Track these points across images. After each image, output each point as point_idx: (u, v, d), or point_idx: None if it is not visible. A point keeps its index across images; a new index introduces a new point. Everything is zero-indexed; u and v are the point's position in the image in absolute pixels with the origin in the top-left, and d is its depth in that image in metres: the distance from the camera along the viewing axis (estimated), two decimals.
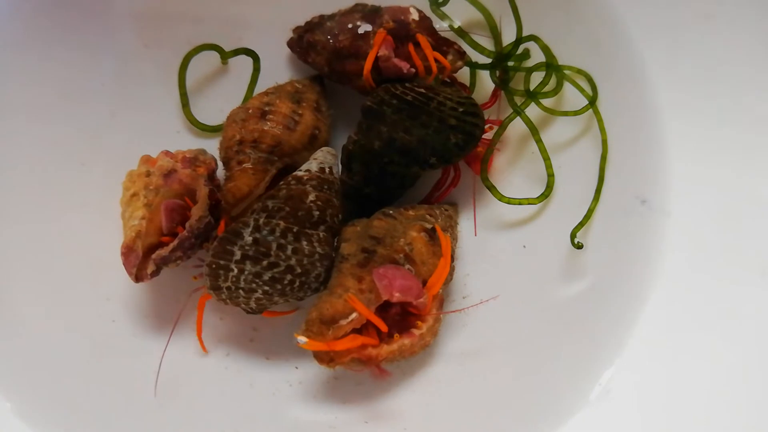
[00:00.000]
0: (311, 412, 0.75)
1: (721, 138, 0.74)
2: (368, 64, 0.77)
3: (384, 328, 0.69)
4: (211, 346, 0.77)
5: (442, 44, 0.79)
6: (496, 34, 0.80)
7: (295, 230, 0.70)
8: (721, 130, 0.74)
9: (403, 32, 0.77)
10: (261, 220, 0.70)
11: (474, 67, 0.82)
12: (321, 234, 0.72)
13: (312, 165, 0.76)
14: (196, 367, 0.77)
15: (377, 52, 0.77)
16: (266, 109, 0.78)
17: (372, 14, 0.79)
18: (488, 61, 0.81)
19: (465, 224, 0.82)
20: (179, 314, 0.77)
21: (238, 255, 0.69)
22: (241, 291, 0.70)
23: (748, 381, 0.68)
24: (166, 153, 0.79)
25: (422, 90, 0.76)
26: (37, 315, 0.76)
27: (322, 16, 0.83)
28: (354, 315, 0.69)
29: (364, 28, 0.79)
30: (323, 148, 0.78)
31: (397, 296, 0.69)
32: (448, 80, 0.80)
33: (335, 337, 0.69)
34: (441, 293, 0.74)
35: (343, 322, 0.69)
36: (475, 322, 0.77)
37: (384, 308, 0.71)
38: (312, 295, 0.73)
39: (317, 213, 0.72)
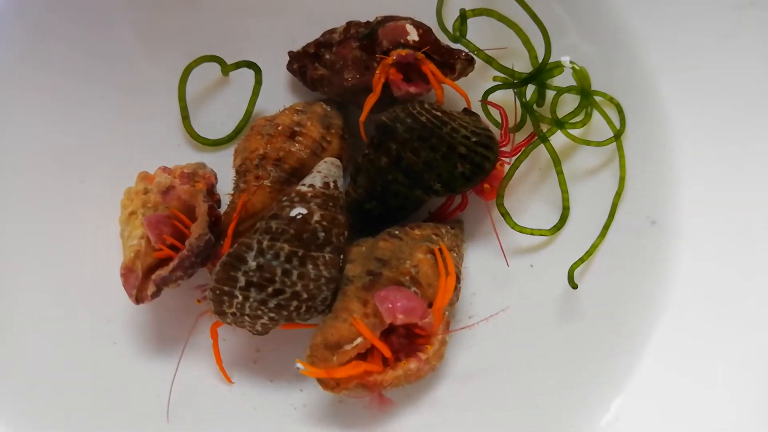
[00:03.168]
0: None
1: (733, 158, 0.73)
2: (363, 117, 0.76)
3: (388, 354, 0.68)
4: (213, 368, 0.76)
5: (448, 57, 0.77)
6: (530, 48, 0.77)
7: (300, 254, 0.69)
8: (733, 150, 0.73)
9: (409, 60, 0.75)
10: (264, 243, 0.68)
11: (505, 86, 0.79)
12: (327, 256, 0.70)
13: (316, 179, 0.73)
14: (199, 391, 0.76)
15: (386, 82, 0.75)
16: (296, 129, 0.77)
17: (369, 40, 0.77)
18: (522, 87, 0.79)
19: (470, 243, 0.81)
20: (187, 339, 0.75)
21: (242, 281, 0.68)
22: (246, 317, 0.69)
23: (760, 408, 0.67)
24: (164, 169, 0.78)
25: (438, 113, 0.74)
26: (37, 338, 0.75)
27: (317, 44, 0.81)
28: (359, 340, 0.68)
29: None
30: (327, 159, 0.76)
31: (400, 318, 0.68)
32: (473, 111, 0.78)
33: (340, 362, 0.68)
34: (447, 315, 0.72)
35: (348, 347, 0.68)
36: (481, 343, 0.76)
37: (390, 332, 0.70)
38: (318, 316, 0.72)
39: (323, 234, 0.70)
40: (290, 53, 0.83)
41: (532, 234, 0.78)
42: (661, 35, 0.76)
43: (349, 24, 0.80)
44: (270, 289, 0.67)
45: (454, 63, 0.77)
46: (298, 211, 0.70)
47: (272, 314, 0.69)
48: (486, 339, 0.76)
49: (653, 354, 0.71)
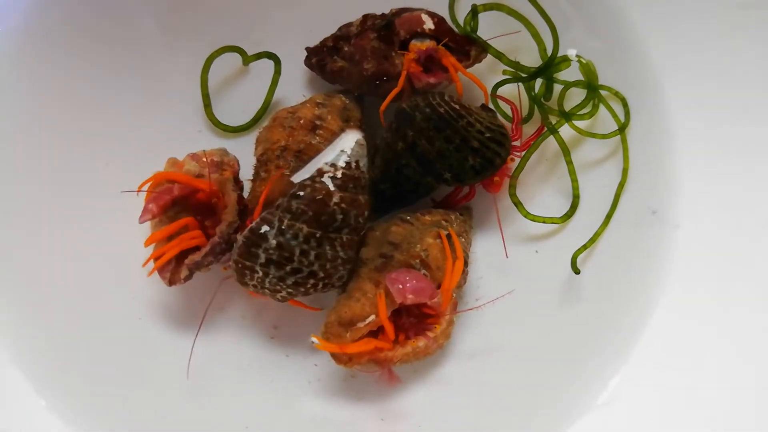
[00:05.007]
0: (329, 408, 0.78)
1: (733, 151, 0.76)
2: (383, 106, 0.79)
3: (392, 335, 0.72)
4: (232, 344, 0.80)
5: (463, 44, 0.80)
6: (539, 41, 0.79)
7: (318, 235, 0.71)
8: (733, 142, 0.76)
9: (430, 52, 0.78)
10: (285, 222, 0.71)
11: (515, 80, 0.81)
12: (344, 237, 0.73)
13: (340, 159, 0.73)
14: (219, 364, 0.79)
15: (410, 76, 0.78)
16: (317, 123, 0.80)
17: (386, 32, 0.79)
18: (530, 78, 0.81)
19: (479, 230, 0.84)
20: (209, 304, 0.79)
21: (262, 258, 0.71)
22: (266, 290, 0.73)
23: (753, 392, 0.70)
24: (192, 156, 0.80)
25: (457, 106, 0.76)
26: (67, 313, 0.79)
27: (335, 38, 0.83)
28: (371, 318, 0.72)
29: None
30: (352, 137, 0.75)
31: (410, 298, 0.72)
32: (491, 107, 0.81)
33: (352, 339, 0.72)
34: (455, 297, 0.76)
35: (360, 325, 0.72)
36: (487, 324, 0.79)
37: (400, 314, 0.74)
38: (335, 290, 0.75)
39: (341, 216, 0.72)
40: (308, 49, 0.85)
41: (544, 222, 0.81)
42: (664, 32, 0.78)
43: (365, 17, 0.82)
44: (288, 268, 0.71)
45: (469, 50, 0.80)
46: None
47: (290, 289, 0.72)
48: (491, 320, 0.79)
49: (650, 337, 0.74)
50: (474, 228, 0.83)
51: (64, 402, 0.74)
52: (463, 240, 0.79)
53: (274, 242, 0.71)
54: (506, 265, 0.82)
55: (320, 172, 0.73)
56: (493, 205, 0.83)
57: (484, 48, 0.80)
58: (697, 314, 0.74)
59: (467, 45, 0.80)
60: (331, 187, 0.72)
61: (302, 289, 0.72)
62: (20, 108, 0.81)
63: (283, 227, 0.71)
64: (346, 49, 0.82)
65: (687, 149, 0.77)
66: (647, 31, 0.79)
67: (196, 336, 0.78)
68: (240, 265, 0.72)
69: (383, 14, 0.82)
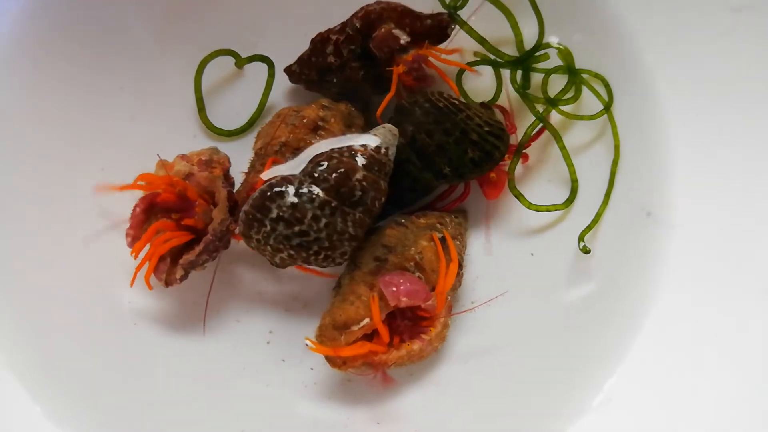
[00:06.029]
0: (325, 412, 0.77)
1: (728, 151, 0.75)
2: (379, 112, 0.81)
3: (386, 338, 0.71)
4: (228, 348, 0.80)
5: (439, 30, 0.79)
6: (517, 32, 0.80)
7: (333, 205, 0.72)
8: (728, 143, 0.75)
9: (418, 60, 0.79)
10: (304, 185, 0.72)
11: (496, 65, 0.82)
12: (357, 215, 0.73)
13: (371, 141, 0.76)
14: (214, 368, 0.79)
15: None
16: (320, 123, 0.80)
17: (367, 57, 0.80)
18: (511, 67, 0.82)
19: (474, 232, 0.84)
20: (213, 276, 0.80)
21: (274, 213, 0.71)
22: (269, 247, 0.73)
23: (748, 393, 0.70)
24: (182, 157, 0.80)
25: (456, 101, 0.78)
26: (62, 318, 0.78)
27: (318, 71, 0.82)
28: (365, 321, 0.72)
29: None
30: (386, 125, 0.78)
31: (404, 301, 0.72)
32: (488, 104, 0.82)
33: (347, 342, 0.71)
34: (450, 300, 0.76)
35: (355, 328, 0.72)
36: (482, 326, 0.79)
37: (395, 317, 0.74)
38: (335, 266, 0.76)
39: (359, 194, 0.73)
40: (286, 71, 0.85)
41: (547, 210, 0.80)
42: (655, 25, 0.78)
43: (337, 44, 0.81)
44: (296, 228, 0.72)
45: (447, 33, 0.80)
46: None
47: (292, 251, 0.73)
48: (486, 323, 0.79)
49: (647, 337, 0.74)
50: (469, 230, 0.83)
51: (59, 408, 0.74)
52: (458, 242, 0.79)
53: (289, 201, 0.72)
54: (502, 268, 0.82)
55: (351, 148, 0.75)
56: (482, 198, 0.83)
57: (454, 19, 0.80)
58: (692, 318, 0.73)
59: (442, 28, 0.79)
60: (358, 164, 0.73)
61: (303, 254, 0.73)
62: (15, 112, 0.81)
63: (301, 189, 0.72)
64: (335, 80, 0.82)
65: (680, 141, 0.77)
66: (630, 14, 0.79)
67: (204, 326, 0.79)
68: (250, 216, 0.72)
69: (345, 32, 0.80)
